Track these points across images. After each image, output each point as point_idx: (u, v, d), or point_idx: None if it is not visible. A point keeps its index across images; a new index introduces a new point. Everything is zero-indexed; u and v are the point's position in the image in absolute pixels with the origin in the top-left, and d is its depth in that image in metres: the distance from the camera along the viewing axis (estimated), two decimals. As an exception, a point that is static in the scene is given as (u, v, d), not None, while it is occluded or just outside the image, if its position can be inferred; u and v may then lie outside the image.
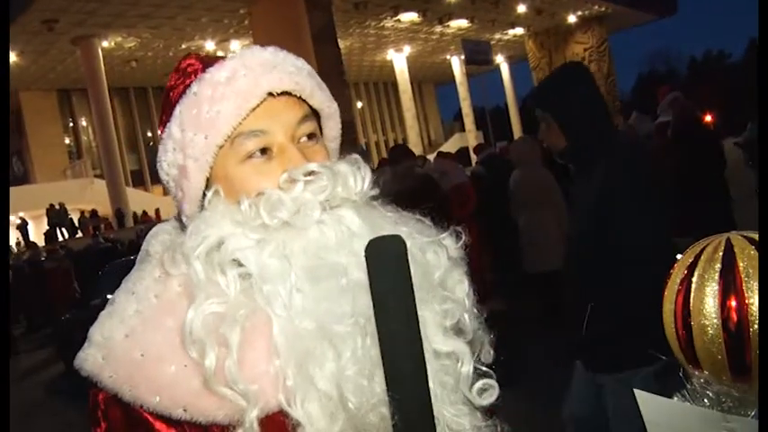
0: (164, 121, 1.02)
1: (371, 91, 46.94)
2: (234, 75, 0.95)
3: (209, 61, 1.02)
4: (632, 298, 2.31)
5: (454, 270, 1.03)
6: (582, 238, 2.62)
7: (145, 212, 27.17)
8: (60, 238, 23.71)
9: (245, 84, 0.94)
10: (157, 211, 27.32)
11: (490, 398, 0.99)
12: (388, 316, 0.81)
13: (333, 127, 1.09)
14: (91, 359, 0.93)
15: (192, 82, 0.98)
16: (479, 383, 0.98)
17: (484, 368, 1.01)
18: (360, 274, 0.90)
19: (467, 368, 0.98)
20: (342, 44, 21.29)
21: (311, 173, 0.94)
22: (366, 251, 0.81)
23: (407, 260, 0.81)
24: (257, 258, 0.93)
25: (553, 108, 2.65)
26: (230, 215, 0.95)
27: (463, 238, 1.06)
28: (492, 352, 1.05)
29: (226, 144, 0.95)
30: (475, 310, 1.04)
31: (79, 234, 24.43)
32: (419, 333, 0.83)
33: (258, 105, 0.95)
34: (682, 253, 1.08)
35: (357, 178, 0.98)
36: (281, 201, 0.93)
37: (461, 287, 1.02)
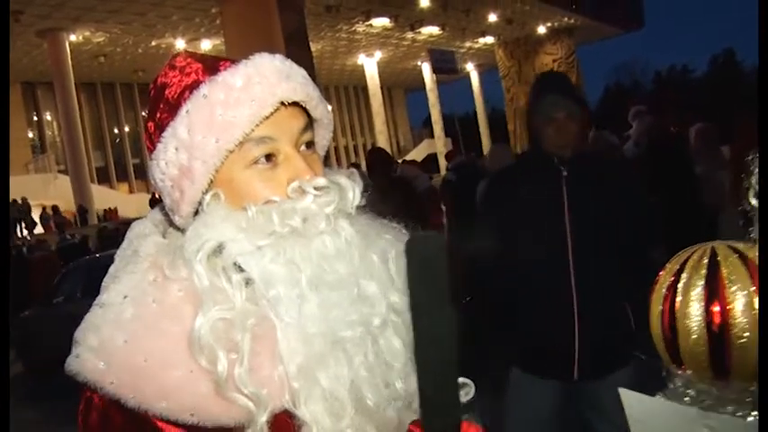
0: (159, 119, 1.00)
1: (342, 95, 46.89)
2: (249, 81, 0.95)
3: (209, 62, 1.01)
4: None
5: None
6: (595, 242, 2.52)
7: (109, 209, 26.69)
8: (20, 234, 23.18)
9: (260, 91, 0.95)
10: (115, 209, 26.82)
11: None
12: (427, 309, 0.83)
13: (325, 136, 1.12)
14: (89, 364, 0.90)
15: (195, 82, 0.98)
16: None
17: None
18: (363, 283, 0.97)
19: None
20: (313, 47, 21.22)
21: (320, 187, 0.97)
22: (407, 247, 0.83)
23: (445, 256, 0.84)
24: (258, 264, 0.95)
25: (580, 100, 2.57)
26: (233, 220, 0.96)
27: None
28: None
29: (234, 149, 0.95)
30: None
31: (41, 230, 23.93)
32: (453, 324, 0.86)
33: (271, 114, 0.96)
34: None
35: (355, 192, 1.01)
36: (294, 210, 0.95)
37: None
